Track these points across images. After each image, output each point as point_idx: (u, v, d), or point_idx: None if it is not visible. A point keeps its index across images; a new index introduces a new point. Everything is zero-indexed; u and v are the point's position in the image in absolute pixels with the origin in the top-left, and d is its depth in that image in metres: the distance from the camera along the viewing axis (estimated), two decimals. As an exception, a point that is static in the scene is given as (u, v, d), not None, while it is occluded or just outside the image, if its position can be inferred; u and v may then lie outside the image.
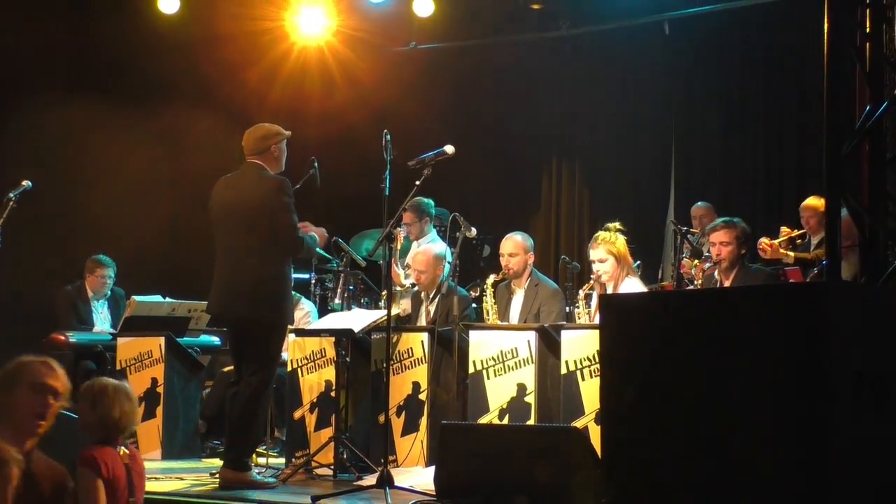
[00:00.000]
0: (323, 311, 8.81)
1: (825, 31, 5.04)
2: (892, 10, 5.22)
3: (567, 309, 7.78)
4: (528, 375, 7.00)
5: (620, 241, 7.34)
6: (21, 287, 9.98)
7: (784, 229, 8.75)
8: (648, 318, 4.49)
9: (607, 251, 7.29)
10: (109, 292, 9.65)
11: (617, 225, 7.41)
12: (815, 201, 8.47)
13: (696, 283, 8.04)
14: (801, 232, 8.70)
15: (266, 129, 6.90)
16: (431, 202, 8.80)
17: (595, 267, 7.35)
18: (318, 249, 7.55)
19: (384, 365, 7.01)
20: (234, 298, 6.72)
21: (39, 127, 10.74)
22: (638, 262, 9.07)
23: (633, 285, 7.32)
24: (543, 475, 5.57)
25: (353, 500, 6.26)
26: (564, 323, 7.30)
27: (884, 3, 5.19)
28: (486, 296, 7.69)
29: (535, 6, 10.60)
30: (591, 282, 7.40)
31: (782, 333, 4.00)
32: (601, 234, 7.40)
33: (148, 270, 10.66)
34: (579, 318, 7.33)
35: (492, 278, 7.73)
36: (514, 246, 7.76)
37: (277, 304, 6.74)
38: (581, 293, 7.42)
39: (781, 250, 8.53)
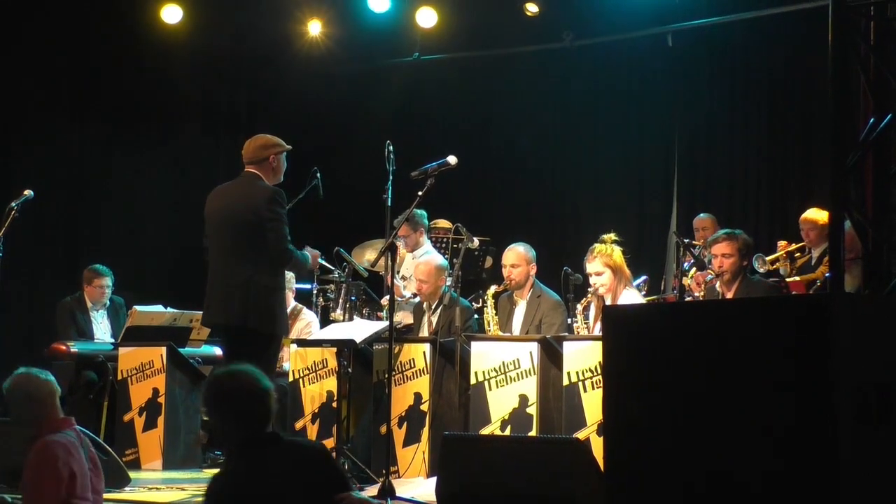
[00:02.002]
0: (324, 321, 8.79)
1: (829, 42, 5.04)
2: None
3: (569, 321, 7.75)
4: (530, 387, 6.99)
5: (617, 253, 7.23)
6: (24, 297, 9.97)
7: (781, 243, 8.67)
8: (651, 330, 4.47)
9: (604, 263, 7.18)
10: (108, 302, 9.59)
11: (612, 236, 7.29)
12: (814, 214, 8.36)
13: (694, 294, 7.98)
14: (799, 245, 8.60)
15: (266, 139, 6.86)
16: (425, 213, 8.76)
17: (592, 280, 7.25)
18: (321, 259, 7.52)
19: (386, 376, 6.99)
20: (227, 308, 6.63)
21: (45, 141, 10.75)
22: (645, 276, 9.04)
23: (631, 297, 7.26)
24: (545, 487, 5.56)
25: (355, 511, 6.24)
26: (566, 334, 7.25)
27: (888, 16, 5.19)
28: (487, 307, 7.66)
29: (530, 5, 10.53)
30: (590, 295, 7.31)
31: (785, 345, 3.98)
32: (597, 246, 7.26)
33: (149, 280, 10.64)
34: (578, 332, 7.26)
35: (493, 289, 7.69)
36: (517, 257, 7.72)
37: (270, 315, 6.62)
38: (579, 307, 7.34)
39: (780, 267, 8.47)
